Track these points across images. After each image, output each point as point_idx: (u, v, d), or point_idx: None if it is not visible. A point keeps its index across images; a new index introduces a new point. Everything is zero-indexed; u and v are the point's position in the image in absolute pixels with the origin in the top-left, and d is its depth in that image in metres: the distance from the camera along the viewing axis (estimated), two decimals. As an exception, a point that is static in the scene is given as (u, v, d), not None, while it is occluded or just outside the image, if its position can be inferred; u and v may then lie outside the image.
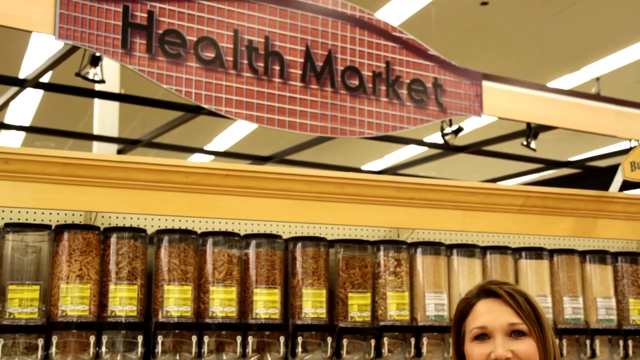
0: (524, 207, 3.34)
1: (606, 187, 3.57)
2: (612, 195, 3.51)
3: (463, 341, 1.98)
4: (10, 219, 2.81)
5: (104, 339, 2.70)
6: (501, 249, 3.31)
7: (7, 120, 11.68)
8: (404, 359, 3.08)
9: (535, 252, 3.34)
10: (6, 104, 8.96)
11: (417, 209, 3.21)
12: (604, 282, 3.38)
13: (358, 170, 13.00)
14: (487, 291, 1.99)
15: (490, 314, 1.94)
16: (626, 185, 3.60)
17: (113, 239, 2.81)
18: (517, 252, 3.35)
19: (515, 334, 1.92)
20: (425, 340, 3.07)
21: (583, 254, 3.42)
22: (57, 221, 2.87)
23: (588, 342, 3.26)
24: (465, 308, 2.01)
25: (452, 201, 3.25)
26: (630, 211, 3.49)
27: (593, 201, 3.46)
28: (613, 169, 3.65)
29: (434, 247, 3.21)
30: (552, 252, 3.38)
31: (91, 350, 2.68)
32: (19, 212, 2.83)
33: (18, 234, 2.70)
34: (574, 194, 3.45)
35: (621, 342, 3.30)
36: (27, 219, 2.83)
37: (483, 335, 1.93)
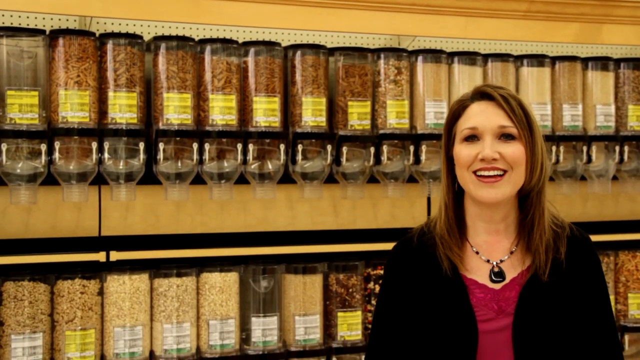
0: (528, 13, 3.26)
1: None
2: None
3: (453, 143, 1.98)
4: (3, 23, 2.75)
5: (106, 145, 2.73)
6: (503, 57, 3.27)
7: None
8: (403, 166, 3.12)
9: (537, 60, 3.30)
10: None
11: (419, 15, 3.13)
12: (605, 89, 3.37)
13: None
14: (481, 93, 1.96)
15: (482, 115, 1.92)
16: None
17: (109, 45, 2.77)
18: (519, 59, 3.31)
19: (504, 137, 1.90)
20: (424, 148, 3.10)
21: (585, 61, 3.38)
22: (52, 26, 2.81)
23: (585, 148, 3.29)
24: (458, 109, 1.98)
25: (455, 7, 3.17)
26: (637, 15, 3.40)
27: (599, 5, 3.36)
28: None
29: (434, 55, 3.17)
30: (554, 60, 3.34)
31: (94, 156, 2.72)
32: (11, 16, 2.76)
33: (12, 39, 2.65)
34: (580, -2, 3.36)
35: (617, 148, 3.33)
36: (20, 24, 2.77)
37: (473, 137, 1.92)
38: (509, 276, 1.94)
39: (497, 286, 1.92)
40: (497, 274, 1.94)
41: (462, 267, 1.94)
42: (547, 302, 1.89)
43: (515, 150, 1.89)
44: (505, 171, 1.88)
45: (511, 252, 1.96)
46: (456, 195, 2.00)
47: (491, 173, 1.88)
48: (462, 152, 1.92)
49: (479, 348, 1.87)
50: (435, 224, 2.00)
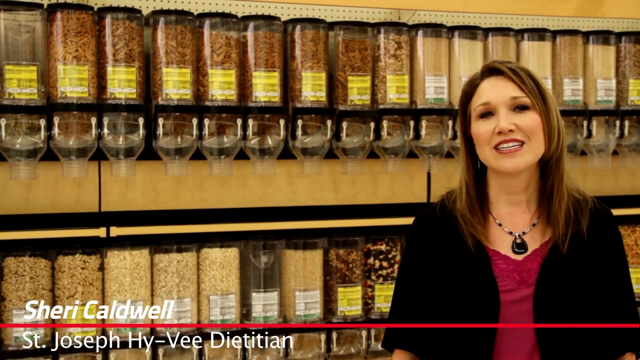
0: (529, -13, 3.25)
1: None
2: (621, -29, 3.40)
3: (470, 124, 2.01)
4: (0, -4, 2.73)
5: (105, 120, 2.72)
6: (503, 31, 3.25)
7: None
8: (403, 142, 3.12)
9: (538, 34, 3.29)
10: None
11: (419, -11, 3.12)
12: (606, 63, 3.35)
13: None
14: (490, 70, 1.99)
15: (493, 90, 1.95)
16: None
17: (108, 19, 2.75)
18: (519, 33, 3.29)
19: (518, 108, 1.93)
20: (424, 123, 3.09)
21: (586, 35, 3.36)
22: (49, 0, 2.79)
23: (585, 123, 3.29)
24: (470, 89, 2.01)
25: (455, -19, 3.15)
26: (638, -11, 3.40)
27: (600, -21, 3.35)
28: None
29: (435, 30, 3.15)
30: (555, 34, 3.33)
31: (93, 131, 2.71)
32: (9, -11, 2.74)
33: (10, 13, 2.63)
34: (581, -29, 3.34)
35: (618, 123, 3.33)
36: (17, -3, 2.75)
37: (488, 113, 1.95)
38: (531, 248, 1.97)
39: (519, 257, 1.96)
40: (520, 246, 1.97)
41: (485, 239, 1.97)
42: (568, 274, 1.93)
43: (530, 121, 1.92)
44: (523, 142, 1.91)
45: (533, 225, 1.99)
46: (477, 174, 2.02)
47: (510, 145, 1.91)
48: (480, 129, 1.95)
49: (500, 318, 1.90)
50: (455, 200, 2.02)
